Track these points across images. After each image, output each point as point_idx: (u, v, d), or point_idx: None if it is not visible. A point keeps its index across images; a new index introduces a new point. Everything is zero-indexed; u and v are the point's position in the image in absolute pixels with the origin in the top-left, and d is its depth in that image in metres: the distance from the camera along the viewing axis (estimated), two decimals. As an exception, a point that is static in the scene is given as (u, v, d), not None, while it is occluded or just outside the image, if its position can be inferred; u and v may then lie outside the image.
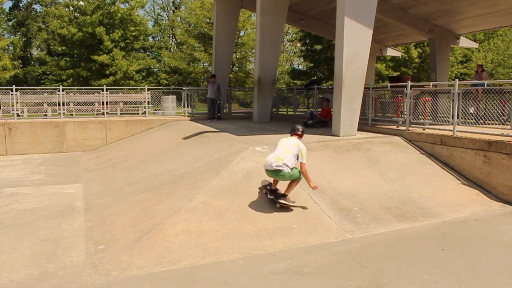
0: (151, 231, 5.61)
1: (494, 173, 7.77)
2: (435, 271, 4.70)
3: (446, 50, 17.72)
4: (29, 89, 16.46)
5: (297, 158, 6.35)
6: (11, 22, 42.31)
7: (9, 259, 5.08)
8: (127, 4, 29.62)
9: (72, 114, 15.85)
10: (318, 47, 29.30)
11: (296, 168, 6.35)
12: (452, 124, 8.87)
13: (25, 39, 40.72)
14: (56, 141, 13.91)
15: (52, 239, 5.74)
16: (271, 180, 6.64)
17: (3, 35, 38.34)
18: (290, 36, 40.35)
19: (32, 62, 40.77)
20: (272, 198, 6.43)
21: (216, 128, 12.32)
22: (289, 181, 6.43)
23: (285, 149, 6.32)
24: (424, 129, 9.72)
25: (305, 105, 19.81)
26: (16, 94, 14.31)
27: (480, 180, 8.04)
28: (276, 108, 18.06)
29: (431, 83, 11.86)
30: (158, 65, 37.55)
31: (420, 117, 10.08)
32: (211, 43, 26.35)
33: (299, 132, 6.70)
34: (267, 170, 6.36)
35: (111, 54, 26.87)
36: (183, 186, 7.10)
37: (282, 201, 6.37)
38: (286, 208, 6.37)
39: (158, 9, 59.34)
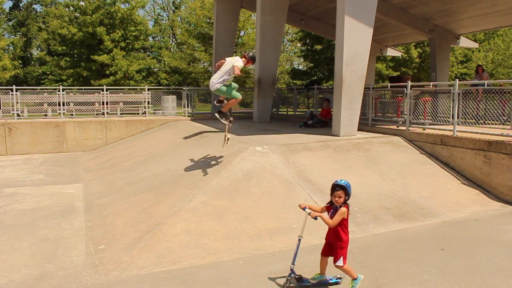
0: (151, 231, 5.61)
1: (494, 173, 7.77)
2: (435, 271, 4.70)
3: (446, 50, 17.71)
4: (29, 89, 16.47)
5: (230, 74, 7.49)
6: (11, 22, 42.31)
7: (9, 259, 5.08)
8: (127, 4, 29.62)
9: (72, 114, 15.85)
10: (318, 47, 29.29)
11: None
12: (452, 124, 8.87)
13: (25, 39, 40.73)
14: (56, 141, 13.91)
15: (52, 239, 5.74)
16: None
17: (3, 35, 38.31)
18: (290, 36, 40.32)
19: (32, 62, 40.77)
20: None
21: (216, 128, 12.31)
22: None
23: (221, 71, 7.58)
24: (424, 129, 9.72)
25: (305, 105, 19.80)
26: (16, 94, 14.31)
27: (480, 180, 8.03)
28: (276, 108, 18.06)
29: (431, 83, 11.86)
30: (158, 65, 37.51)
31: (420, 117, 10.07)
32: (211, 43, 26.34)
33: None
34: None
35: (111, 54, 26.87)
36: (183, 186, 7.10)
37: (216, 114, 8.05)
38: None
39: (158, 9, 59.43)
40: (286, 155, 7.98)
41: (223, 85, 7.53)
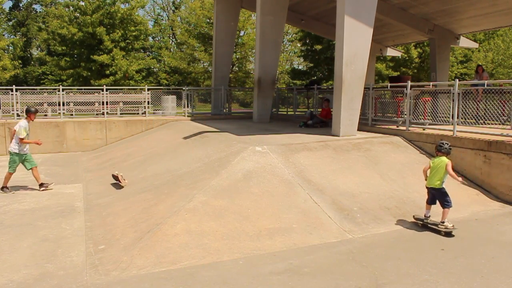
0: (151, 231, 5.61)
1: (494, 173, 7.77)
2: (435, 271, 4.70)
3: (446, 50, 17.71)
4: (29, 89, 16.46)
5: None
6: (11, 22, 42.32)
7: (9, 259, 5.08)
8: (127, 4, 29.63)
9: (72, 114, 15.85)
10: (318, 47, 29.31)
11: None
12: (452, 124, 8.87)
13: (25, 39, 40.73)
14: (56, 141, 13.90)
15: (52, 239, 5.74)
16: None
17: (3, 35, 38.30)
18: (290, 36, 40.36)
19: (32, 62, 40.77)
20: None
21: (216, 128, 12.32)
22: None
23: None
24: (424, 129, 9.72)
25: (305, 105, 19.80)
26: (16, 94, 14.31)
27: (480, 180, 8.03)
28: (276, 108, 18.06)
29: (431, 83, 11.86)
30: (158, 65, 37.54)
31: (420, 117, 10.07)
32: (211, 43, 26.36)
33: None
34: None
35: (111, 54, 26.88)
36: (183, 186, 7.10)
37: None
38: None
39: (158, 9, 59.43)
40: (286, 155, 7.98)
41: (10, 154, 8.27)
